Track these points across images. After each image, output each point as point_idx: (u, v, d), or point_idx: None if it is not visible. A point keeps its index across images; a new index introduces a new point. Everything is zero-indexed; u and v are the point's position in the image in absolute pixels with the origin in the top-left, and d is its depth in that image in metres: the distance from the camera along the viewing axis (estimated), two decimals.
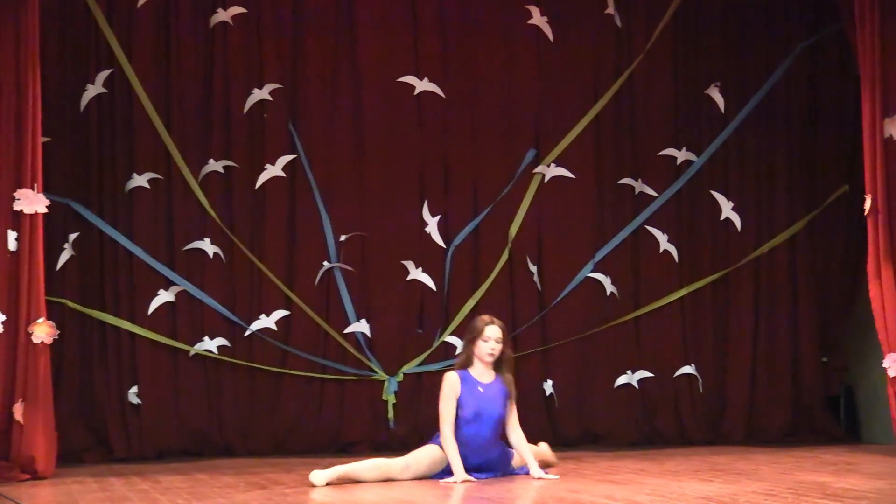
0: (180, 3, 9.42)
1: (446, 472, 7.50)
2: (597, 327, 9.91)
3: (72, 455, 8.76)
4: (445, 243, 9.78)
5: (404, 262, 9.68)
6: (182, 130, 9.40)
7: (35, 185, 7.96)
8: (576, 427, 9.86)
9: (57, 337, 8.17)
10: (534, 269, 9.88)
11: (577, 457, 8.90)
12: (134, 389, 9.18)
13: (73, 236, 9.13)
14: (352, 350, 9.56)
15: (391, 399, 9.58)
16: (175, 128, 9.37)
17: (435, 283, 9.71)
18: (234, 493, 6.99)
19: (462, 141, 9.86)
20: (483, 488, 7.16)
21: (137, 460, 8.94)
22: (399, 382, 9.60)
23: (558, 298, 9.88)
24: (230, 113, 9.50)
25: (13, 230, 7.89)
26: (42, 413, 7.91)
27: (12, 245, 7.89)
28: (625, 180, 10.09)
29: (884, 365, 8.47)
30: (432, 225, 9.75)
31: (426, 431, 8.93)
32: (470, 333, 7.67)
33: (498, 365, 7.66)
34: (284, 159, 9.55)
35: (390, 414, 9.56)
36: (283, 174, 9.54)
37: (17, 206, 7.91)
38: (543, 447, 8.11)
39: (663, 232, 10.10)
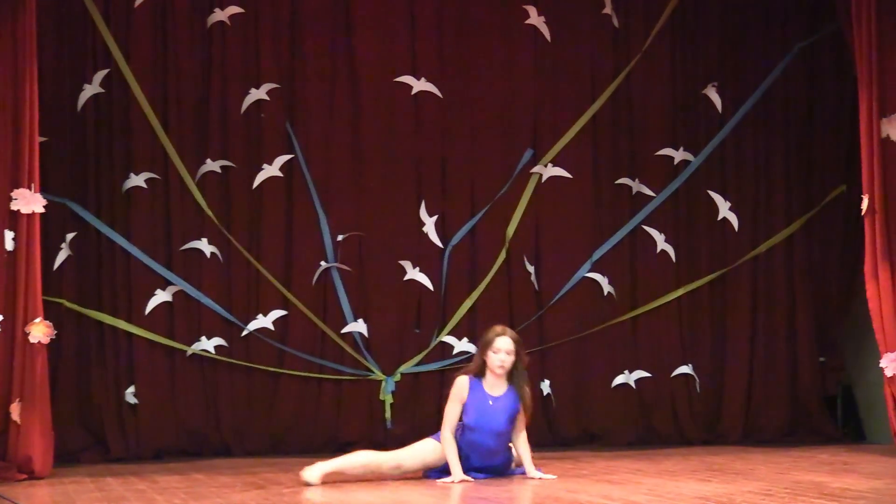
0: (177, 2, 9.41)
1: (444, 471, 7.50)
2: (594, 327, 9.91)
3: (69, 455, 8.75)
4: (443, 243, 9.78)
5: (401, 262, 9.68)
6: (179, 130, 9.39)
7: (32, 184, 7.96)
8: (573, 427, 9.86)
9: (54, 337, 8.17)
10: (531, 268, 9.88)
11: (575, 457, 8.90)
12: (131, 389, 9.18)
13: (70, 236, 9.12)
14: (349, 350, 9.56)
15: (388, 399, 9.58)
16: (172, 128, 9.37)
17: (432, 283, 9.71)
18: (232, 493, 6.99)
19: (459, 141, 9.86)
20: (480, 488, 7.16)
21: (134, 460, 8.94)
22: (396, 382, 9.60)
23: (555, 298, 9.88)
24: (227, 113, 9.49)
25: (10, 230, 7.89)
26: (39, 413, 7.91)
27: (9, 245, 7.89)
28: (622, 180, 10.09)
29: (881, 365, 8.48)
30: (430, 225, 9.75)
31: (424, 431, 8.92)
32: (482, 343, 7.62)
33: (512, 376, 7.59)
34: (282, 159, 9.55)
35: (387, 414, 9.56)
36: (280, 174, 9.54)
37: (14, 206, 7.91)
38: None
39: (660, 232, 10.10)
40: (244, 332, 9.42)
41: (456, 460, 7.42)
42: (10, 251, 7.89)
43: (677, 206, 10.18)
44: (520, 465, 7.68)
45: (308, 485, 7.21)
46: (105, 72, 9.24)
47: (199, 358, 9.35)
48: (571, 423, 9.85)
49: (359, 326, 9.58)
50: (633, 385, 9.98)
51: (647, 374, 10.00)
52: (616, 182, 10.08)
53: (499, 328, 7.61)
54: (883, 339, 8.49)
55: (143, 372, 9.21)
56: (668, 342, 10.07)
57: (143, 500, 6.77)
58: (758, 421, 10.08)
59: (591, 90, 10.07)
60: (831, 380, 10.29)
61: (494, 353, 7.49)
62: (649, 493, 6.73)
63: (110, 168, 9.26)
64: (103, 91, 9.25)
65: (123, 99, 9.28)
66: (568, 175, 9.98)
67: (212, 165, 9.42)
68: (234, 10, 9.49)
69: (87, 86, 9.21)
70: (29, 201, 7.94)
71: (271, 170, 9.52)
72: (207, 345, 9.33)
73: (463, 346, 9.67)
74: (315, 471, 7.30)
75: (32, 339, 7.91)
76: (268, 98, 9.54)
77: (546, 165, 9.96)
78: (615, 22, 10.10)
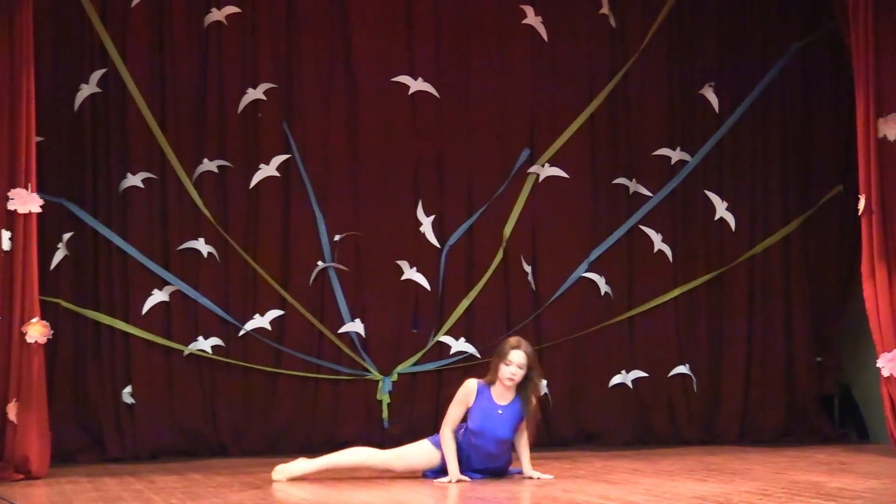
0: (174, 2, 9.41)
1: (440, 471, 7.50)
2: (591, 327, 9.91)
3: (66, 455, 8.75)
4: (440, 243, 9.78)
5: (399, 262, 9.67)
6: (176, 130, 9.39)
7: (29, 184, 7.96)
8: (570, 427, 9.86)
9: (51, 337, 8.17)
10: (528, 268, 9.88)
11: (572, 456, 8.91)
12: (128, 389, 9.18)
13: (67, 236, 9.12)
14: (346, 350, 9.55)
15: (385, 399, 9.58)
16: (169, 127, 9.36)
17: (429, 283, 9.71)
18: (229, 493, 6.99)
19: (456, 141, 9.86)
20: (477, 488, 7.16)
21: (131, 460, 8.93)
22: (393, 382, 9.60)
23: (552, 298, 9.88)
24: (224, 112, 9.49)
25: (7, 230, 7.89)
26: (36, 413, 7.91)
27: (6, 245, 7.88)
28: (619, 180, 10.09)
29: (877, 365, 8.48)
30: (427, 224, 9.75)
31: (421, 431, 8.93)
32: (497, 352, 7.58)
33: (520, 387, 7.55)
34: (279, 159, 9.55)
35: (385, 414, 9.56)
36: (277, 174, 9.54)
37: (10, 206, 7.91)
38: None
39: (657, 232, 10.11)
40: (241, 332, 9.41)
41: (454, 460, 7.42)
42: (6, 251, 7.88)
43: (674, 205, 10.18)
44: (517, 465, 7.68)
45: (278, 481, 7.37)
46: (102, 72, 9.23)
47: (197, 358, 9.34)
48: (568, 422, 9.85)
49: (356, 326, 9.58)
50: (630, 385, 9.98)
51: (645, 374, 10.00)
52: (613, 182, 10.08)
53: (514, 340, 7.57)
54: (880, 339, 8.49)
55: (140, 372, 9.20)
56: (665, 342, 10.07)
57: (140, 499, 6.77)
58: (755, 421, 10.08)
59: (588, 90, 10.07)
60: (828, 380, 10.30)
61: (506, 365, 7.47)
62: (646, 492, 6.74)
63: (107, 168, 9.26)
64: (100, 91, 9.24)
65: (120, 99, 9.27)
66: (565, 175, 9.98)
67: (209, 165, 9.42)
68: (231, 10, 9.49)
69: (84, 86, 9.20)
70: (26, 201, 7.93)
71: (268, 170, 9.52)
72: (204, 345, 9.33)
73: (460, 346, 9.67)
74: (289, 471, 7.49)
75: (29, 338, 7.90)
76: (265, 98, 9.53)
77: (543, 165, 9.96)
78: (612, 22, 10.10)
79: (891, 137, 8.52)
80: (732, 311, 10.17)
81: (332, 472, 7.62)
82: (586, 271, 9.96)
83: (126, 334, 9.20)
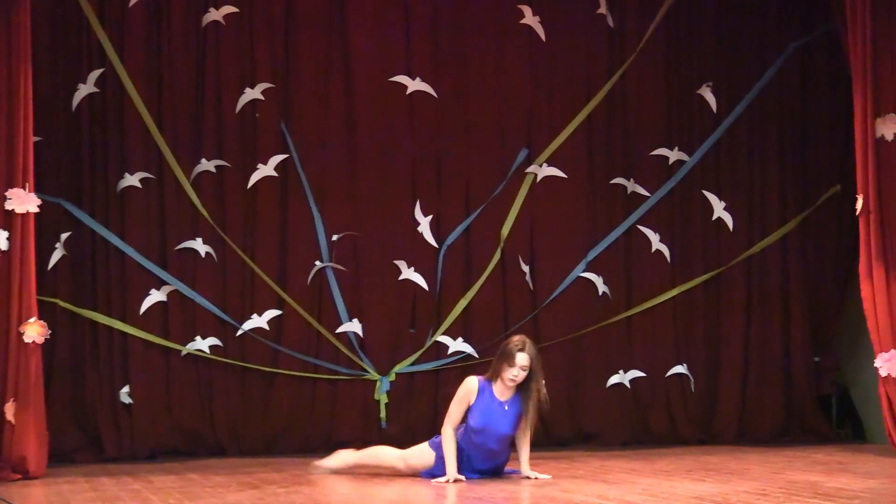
0: (172, 2, 9.40)
1: (438, 470, 7.50)
2: (589, 327, 9.91)
3: (63, 455, 8.75)
4: (437, 243, 9.78)
5: (396, 262, 9.67)
6: (174, 130, 9.38)
7: (26, 184, 7.96)
8: (568, 427, 9.85)
9: (48, 336, 8.18)
10: (526, 268, 9.88)
11: (570, 456, 8.91)
12: (126, 389, 9.17)
13: (64, 236, 9.11)
14: (344, 350, 9.55)
15: (383, 399, 9.57)
16: (167, 127, 9.36)
17: (427, 283, 9.70)
18: (226, 493, 6.99)
19: (454, 140, 9.86)
20: (475, 488, 7.16)
21: (129, 460, 8.92)
22: (391, 382, 9.60)
23: (550, 298, 9.88)
24: (222, 112, 9.48)
25: (4, 230, 7.89)
26: (33, 413, 7.91)
27: (3, 245, 7.88)
28: (617, 180, 10.09)
29: (875, 365, 8.48)
30: (424, 224, 9.75)
31: (418, 431, 8.95)
32: (502, 351, 7.54)
33: (522, 385, 7.53)
34: (276, 159, 9.54)
35: (382, 414, 9.56)
36: (275, 174, 9.53)
37: (8, 206, 7.91)
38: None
39: (655, 232, 10.10)
40: (239, 332, 9.41)
41: (453, 459, 7.42)
42: (4, 251, 7.88)
43: (672, 205, 10.18)
44: (515, 466, 7.69)
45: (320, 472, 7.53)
46: (100, 71, 9.23)
47: (194, 358, 9.34)
48: (566, 422, 9.84)
49: (353, 326, 9.57)
50: (627, 385, 9.98)
51: (642, 374, 10.00)
52: (611, 182, 10.08)
53: (519, 341, 7.51)
54: (877, 339, 8.49)
55: (137, 372, 9.20)
56: (662, 342, 10.06)
57: (137, 499, 6.77)
58: (753, 421, 10.08)
59: (585, 90, 10.07)
60: (826, 380, 10.30)
61: (510, 366, 7.46)
62: (644, 492, 6.74)
63: (105, 168, 9.25)
64: (98, 91, 9.23)
65: (118, 98, 9.27)
66: (563, 175, 9.98)
67: (206, 165, 9.41)
68: (229, 9, 9.48)
69: (81, 85, 9.20)
70: (23, 201, 7.93)
71: (266, 169, 9.52)
72: (202, 344, 9.32)
73: (458, 345, 9.67)
74: (330, 463, 7.77)
75: (27, 338, 7.90)
76: (262, 98, 9.53)
77: (541, 165, 9.96)
78: (610, 22, 10.10)
79: (888, 137, 8.52)
80: (730, 311, 10.17)
81: (360, 467, 7.80)
82: (584, 271, 9.96)
83: (124, 334, 9.19)
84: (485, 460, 7.57)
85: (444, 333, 9.69)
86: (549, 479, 7.51)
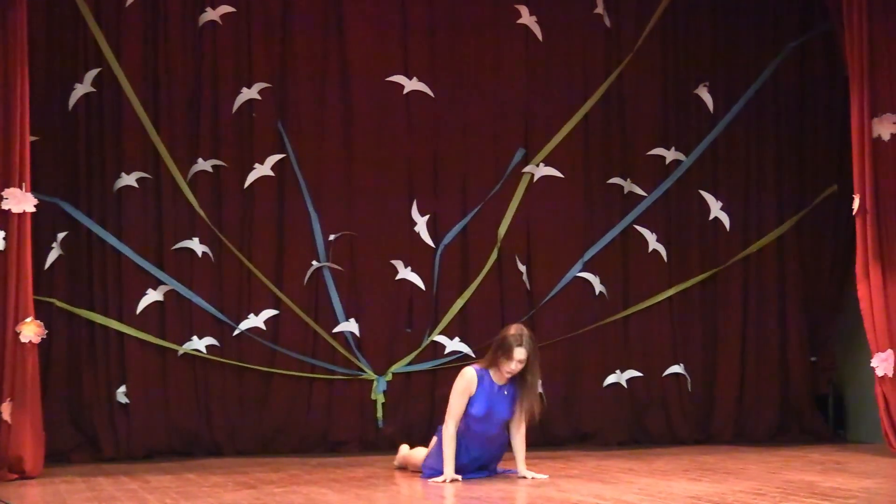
0: (169, 1, 9.40)
1: (436, 463, 7.50)
2: (585, 327, 9.91)
3: (60, 455, 8.74)
4: (434, 243, 9.78)
5: (393, 262, 9.67)
6: (171, 129, 9.38)
7: (23, 184, 7.95)
8: (565, 426, 9.85)
9: (45, 336, 8.17)
10: (523, 268, 9.88)
11: (566, 456, 8.91)
12: (122, 389, 9.16)
13: (61, 235, 9.10)
14: (341, 349, 9.55)
15: (380, 399, 9.57)
16: (164, 127, 9.35)
17: (424, 283, 9.70)
18: (223, 493, 6.99)
19: (451, 140, 9.86)
20: (472, 488, 7.16)
21: (126, 460, 8.92)
22: (388, 382, 9.59)
23: (547, 298, 9.88)
24: (219, 112, 9.48)
25: (1, 229, 7.88)
26: (30, 412, 7.91)
27: (0, 244, 7.87)
28: (614, 180, 10.09)
29: (872, 364, 8.49)
30: (421, 224, 9.75)
31: (415, 431, 8.95)
32: (501, 342, 7.51)
33: (518, 376, 7.53)
34: (273, 158, 9.54)
35: (379, 413, 9.55)
36: (271, 173, 9.53)
37: (4, 206, 7.90)
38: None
39: (652, 231, 10.11)
40: (236, 332, 9.40)
41: (451, 460, 7.41)
42: (0, 251, 7.88)
43: (669, 205, 10.19)
44: (512, 465, 7.68)
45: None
46: (96, 71, 9.22)
47: (191, 357, 9.34)
48: (563, 422, 9.85)
49: (350, 326, 9.57)
50: (624, 384, 9.98)
51: (639, 374, 10.00)
52: (608, 181, 10.08)
53: (517, 335, 7.46)
54: (874, 339, 8.50)
55: (134, 371, 9.19)
56: (659, 342, 10.07)
57: (134, 499, 6.76)
58: (749, 420, 10.09)
59: (582, 90, 10.07)
60: (822, 379, 10.31)
61: (507, 360, 7.45)
62: (641, 492, 6.74)
63: (101, 167, 9.25)
64: (94, 90, 9.23)
65: (115, 98, 9.26)
66: (559, 174, 9.98)
67: (203, 165, 9.41)
68: (226, 9, 9.48)
69: (78, 85, 9.19)
70: (20, 200, 7.93)
71: (263, 169, 9.51)
72: (199, 344, 9.32)
73: (455, 345, 9.67)
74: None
75: (23, 338, 7.90)
76: (259, 97, 9.53)
77: (538, 165, 9.96)
78: (607, 22, 10.10)
79: (885, 137, 8.53)
80: (727, 311, 10.18)
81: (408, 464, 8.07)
82: (581, 271, 9.96)
83: (120, 334, 9.19)
84: (482, 447, 7.56)
85: (440, 333, 9.69)
86: (545, 478, 7.51)
